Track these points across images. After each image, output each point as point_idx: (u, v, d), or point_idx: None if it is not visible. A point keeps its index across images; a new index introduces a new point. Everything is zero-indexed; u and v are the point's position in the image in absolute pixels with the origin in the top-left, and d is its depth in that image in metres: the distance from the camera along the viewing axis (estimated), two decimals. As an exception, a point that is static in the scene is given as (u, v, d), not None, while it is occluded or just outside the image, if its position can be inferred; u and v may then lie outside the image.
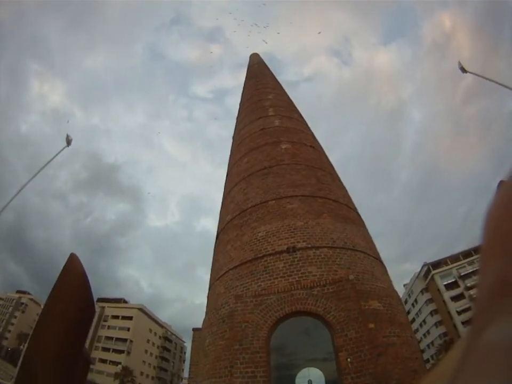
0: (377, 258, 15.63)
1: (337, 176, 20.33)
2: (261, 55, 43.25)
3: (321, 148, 23.10)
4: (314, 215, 15.14)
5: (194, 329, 19.02)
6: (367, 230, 17.52)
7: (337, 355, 10.86)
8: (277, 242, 14.28)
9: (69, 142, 23.97)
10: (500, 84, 21.81)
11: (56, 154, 23.76)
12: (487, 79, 23.42)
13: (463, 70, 23.32)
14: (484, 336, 0.28)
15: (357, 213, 18.04)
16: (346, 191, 19.51)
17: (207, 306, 16.17)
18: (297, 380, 11.83)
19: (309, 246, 13.78)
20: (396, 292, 14.61)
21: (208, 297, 16.55)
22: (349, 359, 10.53)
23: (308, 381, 11.88)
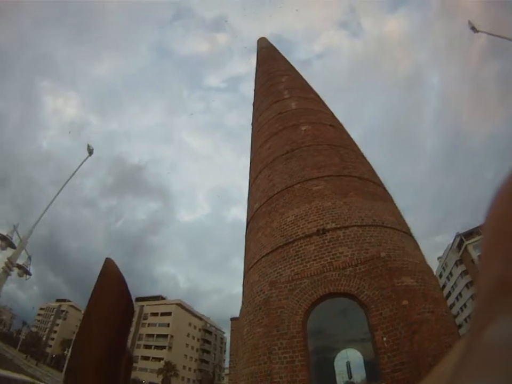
0: (408, 233, 15.45)
1: (360, 152, 20.09)
2: (269, 38, 42.75)
3: (341, 125, 22.87)
4: (341, 195, 15.07)
5: (232, 319, 19.19)
6: (395, 204, 17.30)
7: (372, 334, 10.89)
8: (306, 225, 14.30)
9: (90, 151, 24.31)
10: (507, 39, 21.08)
11: (80, 165, 24.09)
12: (499, 36, 22.62)
13: (474, 30, 22.58)
14: (483, 335, 0.27)
15: (384, 188, 17.83)
16: (371, 166, 19.27)
17: (243, 296, 16.39)
18: (336, 362, 11.83)
19: (338, 226, 13.75)
20: (428, 267, 14.40)
21: (243, 286, 16.76)
22: (384, 338, 10.54)
23: (346, 363, 11.88)
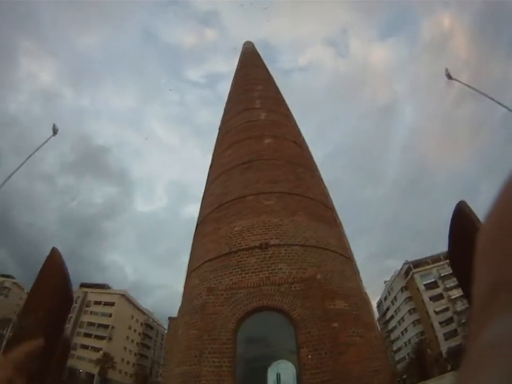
0: (349, 258, 15.96)
1: (317, 173, 20.59)
2: (256, 42, 42.70)
3: (305, 143, 23.32)
4: (290, 213, 15.40)
5: (170, 318, 19.26)
6: (342, 229, 17.84)
7: (298, 350, 11.26)
8: (251, 238, 14.55)
9: (55, 131, 23.93)
10: (482, 94, 22.18)
11: (42, 144, 23.66)
12: (470, 87, 23.77)
13: (449, 77, 23.66)
14: (479, 337, 0.29)
15: (334, 212, 18.33)
16: (325, 188, 19.77)
17: (182, 296, 16.44)
18: (269, 373, 12.15)
19: (282, 243, 14.09)
20: (364, 293, 15.02)
21: (184, 287, 16.81)
22: (309, 356, 10.92)
23: (277, 374, 12.19)
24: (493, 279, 0.31)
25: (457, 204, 4.65)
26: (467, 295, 4.10)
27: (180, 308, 15.83)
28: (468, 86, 24.04)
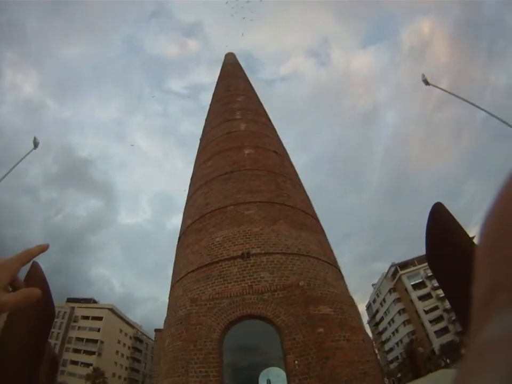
0: (332, 264, 16.10)
1: (298, 182, 20.78)
2: (239, 53, 42.95)
3: (286, 152, 23.56)
4: (270, 222, 15.53)
5: (156, 330, 19.23)
6: (324, 236, 18.02)
7: (285, 357, 11.37)
8: (233, 247, 14.63)
9: (36, 144, 23.80)
10: (460, 98, 22.65)
11: (23, 158, 23.44)
12: (448, 92, 24.26)
13: (426, 83, 24.05)
14: (479, 336, 0.30)
15: (316, 219, 18.51)
16: (306, 196, 19.98)
17: (167, 308, 16.42)
18: (260, 379, 12.27)
19: (263, 252, 14.19)
20: (349, 297, 15.13)
21: (169, 298, 16.80)
22: (296, 361, 11.05)
23: (267, 380, 12.31)
24: (492, 279, 0.32)
25: (434, 205, 4.63)
26: (448, 295, 4.16)
27: (165, 320, 15.81)
28: (445, 90, 24.53)
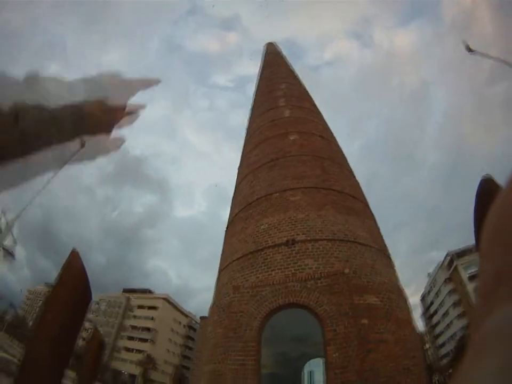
0: (382, 250, 15.47)
1: (347, 165, 20.18)
2: (281, 41, 42.59)
3: (333, 136, 22.95)
4: (316, 207, 15.16)
5: (202, 318, 19.44)
6: (374, 221, 17.38)
7: (325, 349, 10.98)
8: (277, 234, 14.44)
9: (82, 144, 24.60)
10: (505, 63, 21.25)
11: (71, 157, 24.32)
12: (493, 58, 22.80)
13: (469, 49, 22.67)
14: (482, 327, 0.30)
15: (365, 203, 17.90)
16: (355, 180, 19.38)
17: (213, 296, 16.50)
18: (304, 370, 12.06)
19: (308, 238, 13.86)
20: (398, 286, 14.38)
21: (215, 286, 16.89)
22: (335, 354, 10.63)
23: (309, 372, 12.09)
24: (496, 270, 0.32)
25: (482, 178, 4.32)
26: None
27: (210, 307, 15.92)
28: (490, 57, 22.98)
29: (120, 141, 0.96)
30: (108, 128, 0.87)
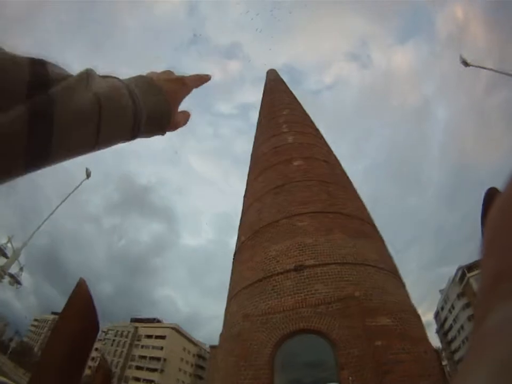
0: (392, 271, 15.48)
1: (352, 188, 20.39)
2: (281, 67, 43.81)
3: (337, 160, 23.20)
4: (324, 232, 15.26)
5: (211, 347, 19.34)
6: (383, 242, 17.44)
7: (339, 373, 10.89)
8: (286, 261, 14.52)
9: (88, 174, 24.90)
10: (501, 73, 21.65)
11: (76, 188, 24.66)
12: (488, 69, 23.26)
13: (465, 64, 23.12)
14: (482, 325, 0.30)
15: (372, 225, 17.99)
16: (361, 203, 19.51)
17: (223, 325, 16.58)
18: None
19: (317, 263, 13.94)
20: (411, 306, 14.42)
21: (224, 315, 16.94)
22: (350, 378, 10.52)
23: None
24: (496, 268, 0.32)
25: (487, 190, 4.43)
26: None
27: (220, 336, 15.97)
28: (486, 68, 23.54)
29: (187, 115, 0.94)
30: (178, 99, 0.85)
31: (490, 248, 0.35)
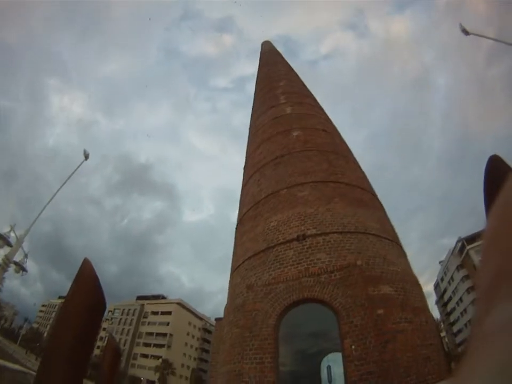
0: (393, 240, 15.39)
1: (352, 158, 20.20)
2: (276, 39, 43.22)
3: (336, 130, 22.93)
4: (325, 201, 15.13)
5: (217, 319, 19.35)
6: (384, 211, 17.37)
7: (342, 342, 10.92)
8: (288, 231, 14.43)
9: (86, 156, 24.62)
10: (503, 42, 21.20)
11: (75, 170, 24.38)
12: (490, 38, 22.78)
13: (466, 32, 22.60)
14: (483, 324, 0.30)
15: (373, 194, 17.90)
16: (362, 172, 19.40)
17: (227, 297, 16.55)
18: (322, 365, 11.94)
19: (319, 232, 13.83)
20: (412, 275, 14.37)
21: (228, 287, 16.93)
22: (353, 346, 10.56)
23: (327, 367, 11.98)
24: (497, 267, 0.32)
25: (490, 157, 4.24)
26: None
27: (225, 308, 15.95)
28: (487, 37, 23.06)
29: None
30: None
31: (491, 246, 0.35)
